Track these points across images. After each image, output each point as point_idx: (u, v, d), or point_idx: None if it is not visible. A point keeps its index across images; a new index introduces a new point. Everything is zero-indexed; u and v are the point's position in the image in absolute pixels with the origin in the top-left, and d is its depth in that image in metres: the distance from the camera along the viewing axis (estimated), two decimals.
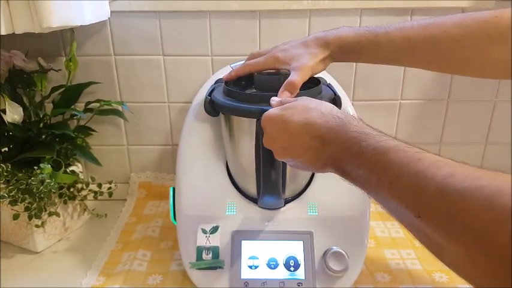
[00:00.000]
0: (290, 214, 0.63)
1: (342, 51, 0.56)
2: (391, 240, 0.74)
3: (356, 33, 0.55)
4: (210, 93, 0.61)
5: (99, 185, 0.78)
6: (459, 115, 0.84)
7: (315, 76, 0.65)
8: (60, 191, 0.72)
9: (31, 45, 0.75)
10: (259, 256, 0.60)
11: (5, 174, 0.65)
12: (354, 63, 0.80)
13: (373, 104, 0.83)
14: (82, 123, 0.79)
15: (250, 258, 0.60)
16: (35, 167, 0.66)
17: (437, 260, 0.71)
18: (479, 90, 0.82)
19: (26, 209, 0.66)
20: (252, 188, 0.63)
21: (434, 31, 0.51)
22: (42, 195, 0.66)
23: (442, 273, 0.65)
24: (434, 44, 0.51)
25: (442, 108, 0.84)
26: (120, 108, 0.80)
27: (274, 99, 0.52)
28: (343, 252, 0.59)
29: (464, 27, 0.50)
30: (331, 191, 0.65)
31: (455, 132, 0.85)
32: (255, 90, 0.61)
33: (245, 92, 0.59)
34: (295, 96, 0.54)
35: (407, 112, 0.84)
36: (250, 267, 0.60)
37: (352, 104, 0.69)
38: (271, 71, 0.62)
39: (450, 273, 0.65)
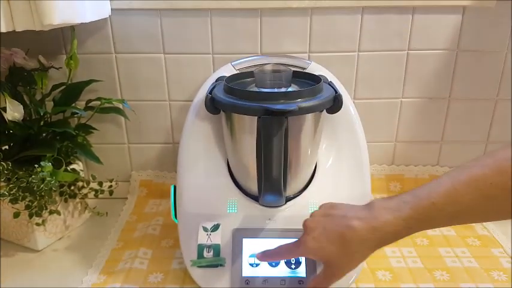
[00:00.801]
0: (291, 212, 0.63)
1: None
2: None
3: (397, 219, 0.48)
4: (211, 91, 0.60)
5: (100, 184, 0.78)
6: (460, 114, 0.84)
7: (315, 74, 0.65)
8: (61, 189, 0.72)
9: (32, 43, 0.75)
10: None
11: (6, 172, 0.65)
12: (355, 62, 0.80)
13: (374, 102, 0.83)
14: (83, 121, 0.78)
15: (251, 256, 0.60)
16: (36, 165, 0.65)
17: (438, 258, 0.71)
18: (481, 89, 0.82)
19: (27, 207, 0.66)
20: (253, 186, 0.63)
21: (482, 187, 0.45)
22: (42, 194, 0.65)
23: (443, 271, 0.65)
24: (488, 201, 0.45)
25: (443, 107, 0.84)
26: (121, 106, 0.80)
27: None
28: None
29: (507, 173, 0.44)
30: (331, 189, 0.65)
31: (457, 130, 0.85)
32: (255, 88, 0.61)
33: (246, 90, 0.59)
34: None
35: (408, 111, 0.84)
36: (251, 265, 0.60)
37: (353, 102, 0.69)
38: (271, 68, 0.63)
39: (451, 271, 0.65)
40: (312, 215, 0.55)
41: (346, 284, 0.60)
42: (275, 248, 0.56)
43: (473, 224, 0.78)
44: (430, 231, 0.74)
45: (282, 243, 0.60)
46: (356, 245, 0.49)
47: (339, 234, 0.49)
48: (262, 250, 0.57)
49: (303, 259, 0.60)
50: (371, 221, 0.48)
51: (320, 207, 0.57)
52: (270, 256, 0.57)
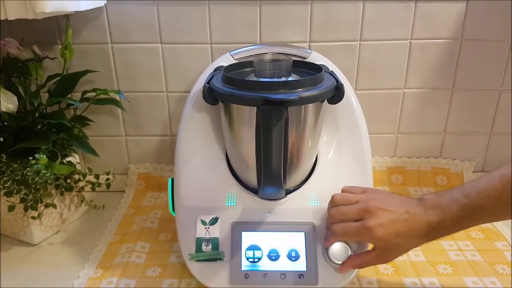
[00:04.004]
0: (291, 205, 0.62)
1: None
2: None
3: (447, 220, 0.51)
4: (209, 81, 0.59)
5: (97, 176, 0.77)
6: (464, 104, 0.82)
7: (316, 63, 0.64)
8: (57, 182, 0.71)
9: (26, 33, 0.74)
10: (259, 248, 0.59)
11: (0, 165, 0.63)
12: (357, 51, 0.78)
13: (377, 93, 0.81)
14: (78, 113, 0.77)
15: (250, 249, 0.59)
16: (30, 158, 0.64)
17: (441, 252, 0.70)
18: (484, 79, 0.80)
19: (22, 200, 0.65)
20: (252, 179, 0.61)
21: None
22: (38, 187, 0.64)
23: (446, 264, 0.64)
24: None
25: (446, 97, 0.82)
26: (117, 97, 0.78)
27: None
28: (346, 244, 0.58)
29: None
30: (332, 182, 0.64)
31: (460, 121, 0.84)
32: (255, 77, 0.59)
33: (245, 79, 0.57)
34: None
35: (411, 101, 0.82)
36: (251, 258, 0.58)
37: (355, 93, 0.67)
38: (271, 57, 0.61)
39: (454, 264, 0.64)
40: (369, 199, 0.55)
41: (348, 277, 0.58)
42: (330, 230, 0.56)
43: None
44: None
45: (282, 237, 0.59)
46: (415, 239, 0.52)
47: (406, 230, 0.52)
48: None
49: (302, 253, 0.58)
50: (427, 219, 0.51)
51: (365, 191, 0.57)
52: (329, 240, 0.57)
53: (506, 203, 0.48)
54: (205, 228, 0.61)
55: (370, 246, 0.57)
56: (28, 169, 0.63)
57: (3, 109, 0.65)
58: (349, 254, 0.57)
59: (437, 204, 0.51)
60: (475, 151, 0.86)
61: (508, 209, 0.49)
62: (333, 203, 0.58)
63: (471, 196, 0.50)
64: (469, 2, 0.75)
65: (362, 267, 0.57)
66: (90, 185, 0.76)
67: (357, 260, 0.56)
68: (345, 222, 0.55)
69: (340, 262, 0.57)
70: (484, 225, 0.74)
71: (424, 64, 0.79)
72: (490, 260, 0.65)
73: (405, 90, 0.82)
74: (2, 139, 0.70)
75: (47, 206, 0.68)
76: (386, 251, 0.54)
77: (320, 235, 0.59)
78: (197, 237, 0.60)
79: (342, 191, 0.60)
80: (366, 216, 0.53)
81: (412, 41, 0.78)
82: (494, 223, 0.74)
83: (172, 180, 0.65)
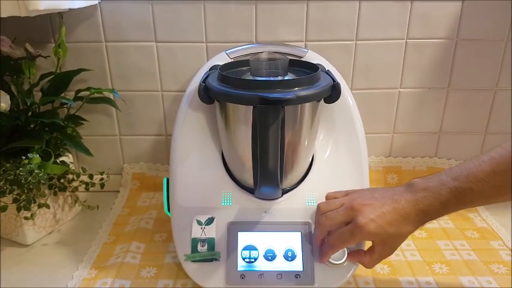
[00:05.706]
0: (288, 205, 0.62)
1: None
2: None
3: (437, 202, 0.51)
4: (205, 80, 0.58)
5: (91, 176, 0.76)
6: (459, 104, 0.82)
7: (313, 62, 0.63)
8: (50, 182, 0.70)
9: (19, 31, 0.73)
10: (256, 248, 0.59)
11: None
12: (353, 51, 0.78)
13: (372, 92, 0.81)
14: (72, 112, 0.76)
15: (246, 249, 0.59)
16: (23, 157, 0.63)
17: (437, 251, 0.70)
18: (480, 79, 0.80)
19: (14, 200, 0.64)
20: (248, 178, 0.61)
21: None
22: (31, 186, 0.63)
23: (442, 264, 0.64)
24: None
25: (441, 97, 0.82)
26: (111, 96, 0.78)
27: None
28: None
29: None
30: (329, 181, 0.63)
31: (455, 121, 0.84)
32: (251, 76, 0.59)
33: (241, 78, 0.57)
34: None
35: (406, 101, 0.82)
36: (247, 259, 0.58)
37: (351, 92, 0.67)
38: (267, 56, 0.61)
39: (450, 264, 0.64)
40: (353, 198, 0.55)
41: (345, 277, 0.58)
42: (326, 244, 0.56)
43: (472, 216, 0.77)
44: (428, 224, 0.73)
45: (279, 237, 0.59)
46: (409, 225, 0.52)
47: (397, 218, 0.51)
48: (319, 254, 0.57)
49: (299, 252, 0.58)
50: (417, 203, 0.51)
51: (347, 193, 0.58)
52: (326, 254, 0.56)
53: (496, 186, 0.48)
54: (201, 228, 0.60)
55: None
56: (21, 169, 0.62)
57: None
58: (346, 252, 0.57)
59: (426, 187, 0.51)
60: (471, 150, 0.86)
61: (497, 192, 0.49)
62: (319, 211, 0.57)
63: (460, 179, 0.49)
64: (465, 1, 0.75)
65: (369, 268, 0.57)
66: (84, 185, 0.76)
67: (362, 259, 0.56)
68: (337, 231, 0.54)
69: (337, 262, 0.57)
70: (479, 225, 0.74)
71: (419, 64, 0.79)
72: (485, 260, 0.65)
73: (401, 89, 0.81)
74: None
75: (40, 206, 0.68)
76: (385, 244, 0.53)
77: None
78: (193, 238, 0.60)
79: (326, 198, 0.60)
80: (355, 215, 0.52)
81: (407, 40, 0.78)
82: (489, 222, 0.75)
83: (168, 180, 0.64)
